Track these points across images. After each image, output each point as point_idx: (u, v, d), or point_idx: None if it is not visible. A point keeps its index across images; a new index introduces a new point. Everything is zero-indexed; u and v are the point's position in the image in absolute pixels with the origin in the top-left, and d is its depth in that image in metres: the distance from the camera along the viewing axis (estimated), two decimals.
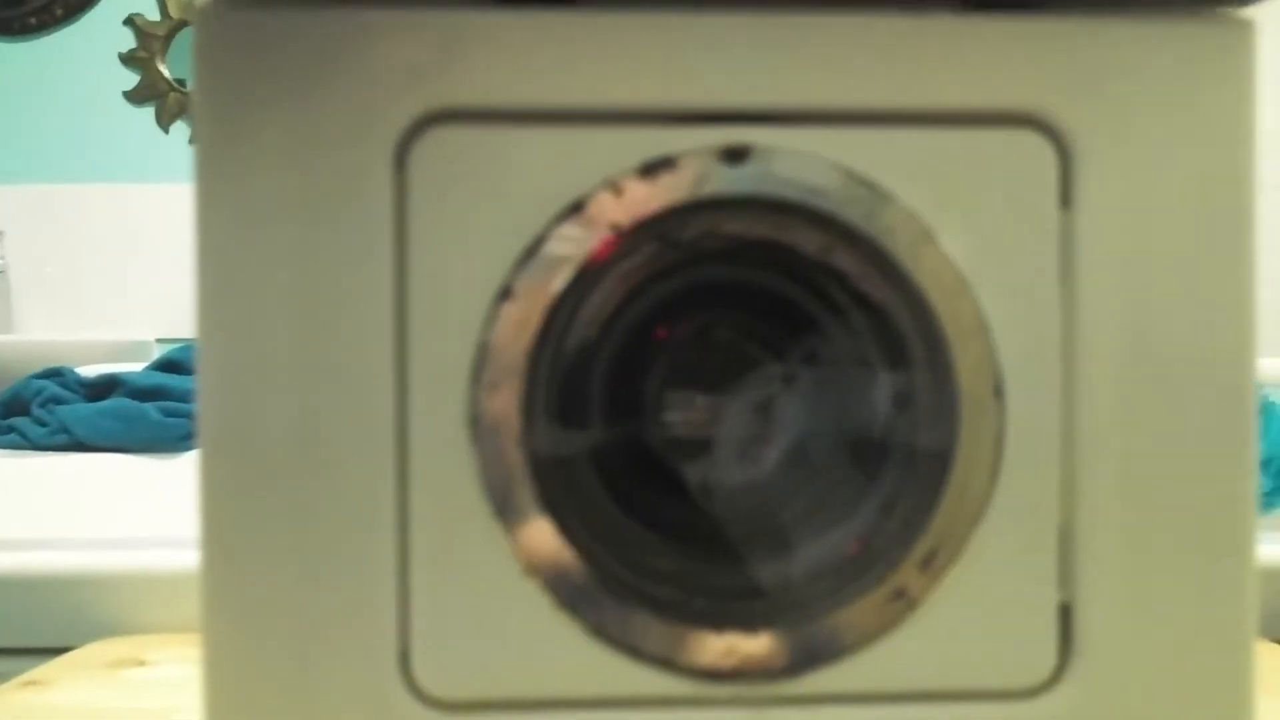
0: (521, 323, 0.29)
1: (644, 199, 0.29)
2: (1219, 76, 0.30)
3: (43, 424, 1.41)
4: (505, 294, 0.29)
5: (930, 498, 0.30)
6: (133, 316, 1.98)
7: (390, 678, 0.29)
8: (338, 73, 0.29)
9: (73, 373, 1.53)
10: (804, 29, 0.29)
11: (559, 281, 0.29)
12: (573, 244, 0.29)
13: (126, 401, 1.43)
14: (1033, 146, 0.30)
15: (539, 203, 0.29)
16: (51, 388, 1.47)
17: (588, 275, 0.29)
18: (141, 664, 0.64)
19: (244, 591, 0.29)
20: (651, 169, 0.29)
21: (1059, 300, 0.30)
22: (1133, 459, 0.30)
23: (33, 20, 2.06)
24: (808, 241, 0.30)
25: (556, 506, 0.29)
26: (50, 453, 1.37)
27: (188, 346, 1.67)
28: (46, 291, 2.01)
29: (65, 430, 1.39)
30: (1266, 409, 1.47)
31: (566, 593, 0.29)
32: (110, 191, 2.01)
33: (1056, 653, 0.31)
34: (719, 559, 0.31)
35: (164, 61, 2.04)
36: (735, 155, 0.29)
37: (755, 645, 0.29)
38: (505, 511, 0.29)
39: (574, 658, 0.29)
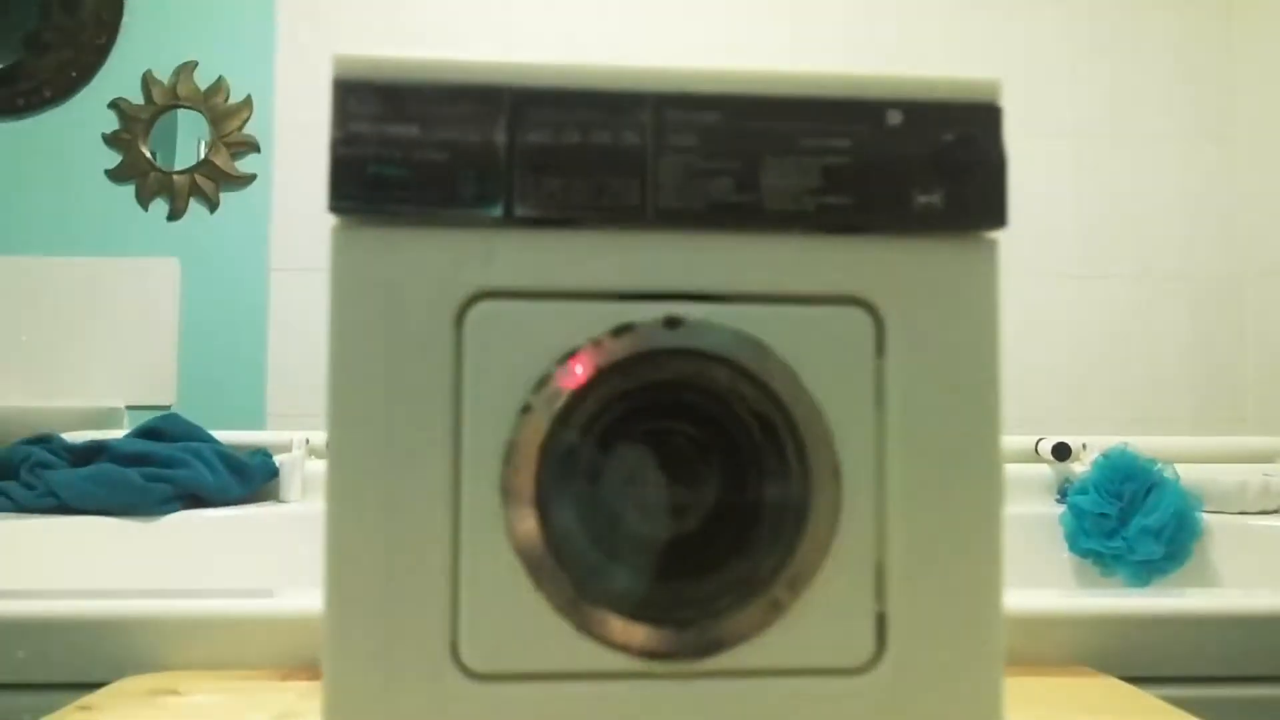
0: (536, 428, 0.45)
1: (614, 350, 0.45)
2: (974, 274, 0.47)
3: (30, 487, 1.49)
4: (525, 409, 0.45)
5: (795, 542, 0.46)
6: (106, 385, 2.05)
7: (444, 659, 0.45)
8: (421, 266, 0.45)
9: (59, 439, 1.61)
10: (715, 244, 0.46)
11: (560, 402, 0.45)
12: (569, 378, 0.45)
13: (110, 466, 1.51)
14: (858, 318, 0.47)
15: (548, 351, 0.45)
16: (39, 453, 1.54)
17: (576, 398, 0.45)
18: (175, 693, 0.74)
19: (351, 604, 0.45)
20: (620, 331, 0.46)
21: (874, 416, 0.47)
22: (923, 520, 0.47)
23: (21, 101, 2.09)
24: (720, 378, 0.46)
25: (555, 546, 0.45)
26: (37, 515, 1.45)
27: (168, 415, 1.73)
28: (24, 360, 2.06)
29: (52, 494, 1.47)
30: (1160, 483, 1.62)
31: (561, 603, 0.45)
32: (90, 265, 2.06)
33: (874, 645, 0.47)
34: (662, 582, 0.47)
35: (146, 143, 2.09)
36: (673, 323, 0.46)
37: (680, 637, 0.45)
38: (521, 549, 0.45)
39: (566, 645, 0.45)
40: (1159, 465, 1.65)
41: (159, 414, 1.76)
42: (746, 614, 0.46)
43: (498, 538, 0.45)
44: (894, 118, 0.46)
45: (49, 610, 0.80)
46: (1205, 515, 1.62)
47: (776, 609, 0.46)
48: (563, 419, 0.45)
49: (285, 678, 0.77)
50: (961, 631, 0.47)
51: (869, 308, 0.47)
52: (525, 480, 0.45)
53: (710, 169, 0.45)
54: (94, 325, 2.06)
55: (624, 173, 0.45)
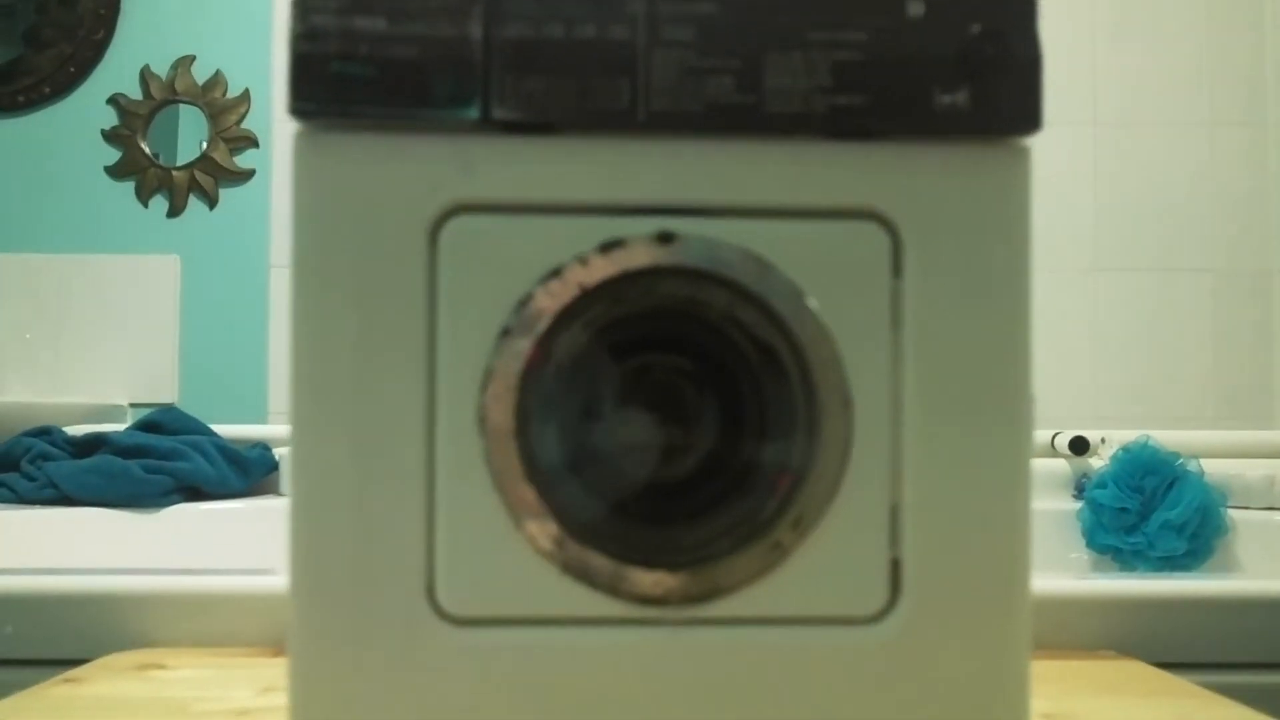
0: (516, 353, 0.41)
1: (603, 268, 0.41)
2: (1004, 185, 0.43)
3: (31, 479, 1.48)
4: (505, 332, 0.41)
5: (800, 480, 0.42)
6: (108, 382, 2.04)
7: (420, 602, 0.41)
8: (391, 176, 0.41)
9: (60, 431, 1.60)
10: (713, 151, 0.42)
11: (543, 324, 0.41)
12: (553, 299, 0.41)
13: (110, 458, 1.50)
14: (873, 233, 0.43)
15: (529, 269, 0.41)
16: (40, 445, 1.54)
17: (563, 320, 0.42)
18: (163, 667, 0.72)
19: (318, 543, 0.41)
20: (608, 247, 0.42)
21: (890, 339, 0.42)
22: (942, 457, 0.43)
23: (21, 98, 2.10)
24: (717, 299, 0.42)
25: (539, 482, 0.41)
26: (38, 506, 1.44)
27: (167, 409, 1.73)
28: (27, 357, 2.05)
29: (53, 485, 1.46)
30: (1182, 476, 1.58)
31: (544, 543, 0.41)
32: (91, 262, 2.06)
33: (888, 593, 0.43)
34: (655, 522, 0.43)
35: (145, 139, 2.09)
36: (666, 238, 0.42)
37: (675, 581, 0.42)
38: (502, 485, 0.41)
39: (550, 588, 0.41)
40: (1182, 459, 1.61)
41: (159, 408, 1.74)
42: (746, 558, 0.42)
43: (476, 472, 0.41)
44: (915, 8, 0.42)
45: (37, 586, 0.78)
46: (1230, 510, 1.57)
47: (779, 552, 0.42)
48: (546, 343, 0.41)
49: (276, 654, 0.75)
50: (983, 580, 0.43)
51: (885, 222, 0.43)
52: (505, 410, 0.41)
53: (708, 67, 0.41)
54: (96, 323, 2.06)
55: (612, 71, 0.41)
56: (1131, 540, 1.57)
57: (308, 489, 0.41)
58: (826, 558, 0.42)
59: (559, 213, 0.42)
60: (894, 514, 0.43)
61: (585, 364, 0.42)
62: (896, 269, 0.43)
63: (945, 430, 0.43)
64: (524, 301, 0.41)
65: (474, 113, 0.41)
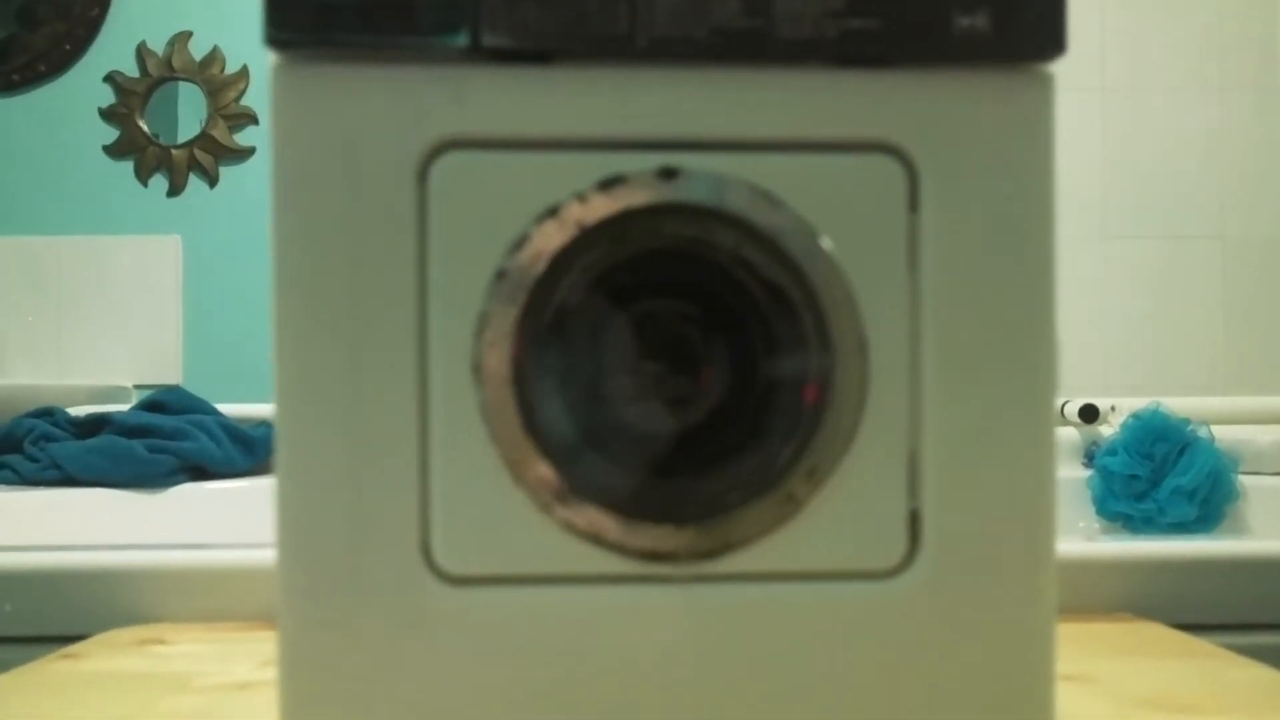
0: (512, 297, 0.39)
1: (603, 206, 0.39)
2: (1026, 115, 0.41)
3: (34, 460, 1.45)
4: (500, 275, 0.39)
5: (813, 428, 0.40)
6: (112, 364, 2.02)
7: (415, 560, 0.39)
8: (375, 110, 0.39)
9: (63, 412, 1.58)
10: (719, 80, 0.40)
11: (540, 267, 0.39)
12: (550, 239, 0.39)
13: (114, 439, 1.48)
14: (888, 167, 0.40)
15: (525, 208, 0.39)
16: (43, 426, 1.51)
17: (561, 262, 0.39)
18: (163, 643, 0.71)
19: (306, 501, 0.39)
20: (608, 183, 0.39)
21: (907, 278, 0.40)
22: (963, 401, 0.40)
23: (16, 77, 2.07)
24: (724, 238, 0.40)
25: (538, 434, 0.39)
26: (41, 488, 1.42)
27: (172, 389, 1.72)
28: (29, 340, 2.04)
29: (56, 466, 1.44)
30: (1193, 443, 1.56)
31: (545, 497, 0.39)
32: (92, 243, 2.04)
33: (906, 546, 0.41)
34: (661, 474, 0.41)
35: (143, 117, 2.06)
36: (669, 174, 0.39)
37: (683, 536, 0.39)
38: (499, 436, 0.39)
39: (552, 544, 0.39)
40: (1192, 425, 1.59)
41: (164, 388, 1.73)
42: (758, 510, 0.40)
43: (471, 423, 0.39)
44: None
45: (36, 563, 0.78)
46: (1241, 476, 1.55)
47: (793, 504, 0.40)
48: (545, 286, 0.39)
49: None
50: (1007, 532, 0.41)
51: (900, 155, 0.40)
52: (502, 358, 0.39)
53: None
54: (99, 305, 2.04)
55: None
56: (1142, 507, 1.56)
57: (294, 445, 0.39)
58: (842, 510, 0.40)
59: (555, 148, 0.40)
60: (912, 463, 0.40)
61: (586, 309, 0.40)
62: (913, 204, 0.40)
63: (965, 375, 0.40)
64: (520, 242, 0.39)
65: (463, 40, 0.38)
